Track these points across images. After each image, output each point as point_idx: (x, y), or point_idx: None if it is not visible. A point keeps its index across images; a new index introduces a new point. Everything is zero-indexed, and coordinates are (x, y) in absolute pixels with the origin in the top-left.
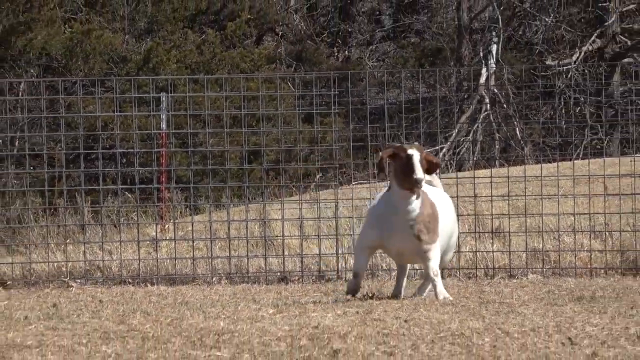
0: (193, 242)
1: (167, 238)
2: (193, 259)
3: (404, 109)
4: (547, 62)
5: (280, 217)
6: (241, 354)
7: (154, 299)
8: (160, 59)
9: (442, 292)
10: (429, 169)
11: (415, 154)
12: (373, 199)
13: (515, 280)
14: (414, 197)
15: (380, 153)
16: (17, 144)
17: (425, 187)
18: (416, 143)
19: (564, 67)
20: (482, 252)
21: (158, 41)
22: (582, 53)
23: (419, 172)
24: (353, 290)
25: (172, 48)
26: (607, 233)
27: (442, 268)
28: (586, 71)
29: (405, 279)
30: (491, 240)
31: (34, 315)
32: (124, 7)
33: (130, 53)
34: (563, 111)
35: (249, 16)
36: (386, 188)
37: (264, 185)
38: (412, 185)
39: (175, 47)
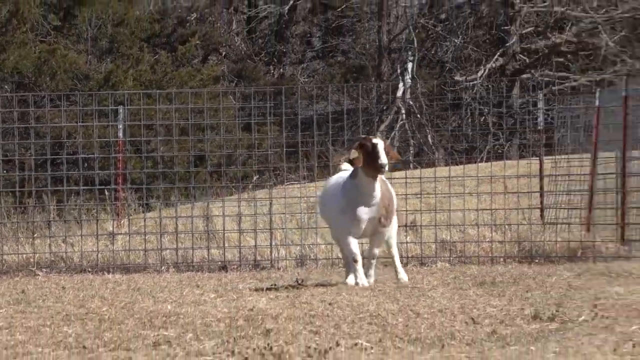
0: (145, 235)
1: (123, 232)
2: (145, 250)
3: (331, 119)
4: (456, 78)
5: (221, 214)
6: (186, 333)
7: (110, 286)
8: (119, 79)
9: (367, 276)
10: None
11: (380, 142)
12: (329, 178)
13: (425, 268)
14: (377, 183)
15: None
16: None
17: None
18: (379, 134)
19: (470, 82)
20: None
21: (118, 63)
22: (486, 70)
23: (384, 158)
24: (357, 273)
25: (129, 68)
26: (506, 226)
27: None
28: (489, 85)
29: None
30: (405, 233)
31: (4, 300)
32: (87, 30)
33: (92, 72)
34: (469, 120)
35: (197, 42)
36: (340, 175)
37: (207, 186)
38: (377, 170)
39: (132, 67)
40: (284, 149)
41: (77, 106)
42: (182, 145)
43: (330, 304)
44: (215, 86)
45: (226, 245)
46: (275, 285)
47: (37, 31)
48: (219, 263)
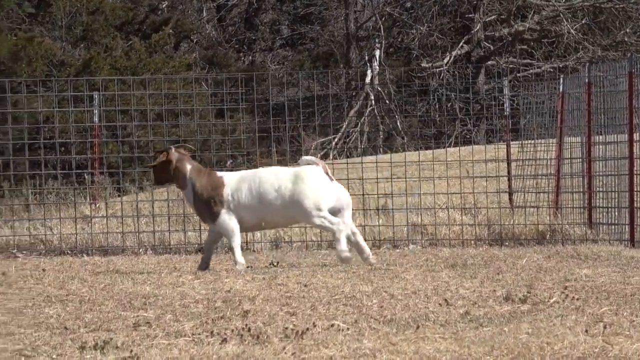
0: (122, 218)
1: (100, 215)
2: (122, 233)
3: (302, 104)
4: (423, 65)
5: None
6: (165, 314)
7: (89, 268)
8: (97, 65)
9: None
10: None
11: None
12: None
13: (398, 250)
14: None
15: None
16: None
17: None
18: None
19: (437, 69)
20: (369, 226)
21: (93, 50)
22: (452, 57)
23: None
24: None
25: (107, 56)
26: (475, 210)
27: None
28: (456, 72)
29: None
30: (377, 216)
31: None
32: (62, 18)
33: (68, 58)
34: (437, 106)
35: (170, 31)
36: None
37: None
38: None
39: (107, 54)
40: (257, 134)
41: (54, 92)
42: (157, 130)
43: (305, 285)
44: (187, 72)
45: (202, 228)
46: (251, 267)
47: (12, 19)
48: (196, 245)
